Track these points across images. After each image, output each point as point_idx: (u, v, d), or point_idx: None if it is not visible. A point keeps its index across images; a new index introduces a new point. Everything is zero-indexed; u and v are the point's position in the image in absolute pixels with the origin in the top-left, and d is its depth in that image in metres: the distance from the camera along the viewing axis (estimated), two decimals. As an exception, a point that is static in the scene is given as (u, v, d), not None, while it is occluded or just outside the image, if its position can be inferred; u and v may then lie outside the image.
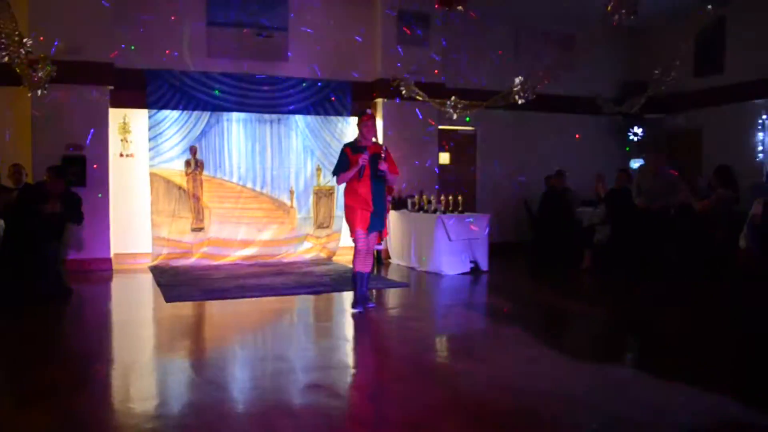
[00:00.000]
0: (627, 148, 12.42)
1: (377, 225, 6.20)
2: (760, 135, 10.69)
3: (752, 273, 6.19)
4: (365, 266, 6.22)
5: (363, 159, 5.94)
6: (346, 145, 6.27)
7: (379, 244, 7.52)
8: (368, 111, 6.24)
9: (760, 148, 10.67)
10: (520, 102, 9.06)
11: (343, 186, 6.28)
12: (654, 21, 11.41)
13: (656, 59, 10.24)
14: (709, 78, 11.30)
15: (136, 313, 6.73)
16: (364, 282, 6.28)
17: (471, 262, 8.99)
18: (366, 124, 6.14)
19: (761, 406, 3.64)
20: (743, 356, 4.93)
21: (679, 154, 11.37)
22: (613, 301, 7.40)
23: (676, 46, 8.99)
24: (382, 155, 6.03)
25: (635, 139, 12.30)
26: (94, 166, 9.08)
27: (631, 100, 10.21)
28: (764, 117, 10.63)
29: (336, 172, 6.21)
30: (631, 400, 3.87)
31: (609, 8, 7.29)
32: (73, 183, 8.28)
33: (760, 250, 6.08)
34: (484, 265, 9.07)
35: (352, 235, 6.26)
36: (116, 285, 8.37)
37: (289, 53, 10.40)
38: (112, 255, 9.34)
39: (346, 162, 6.09)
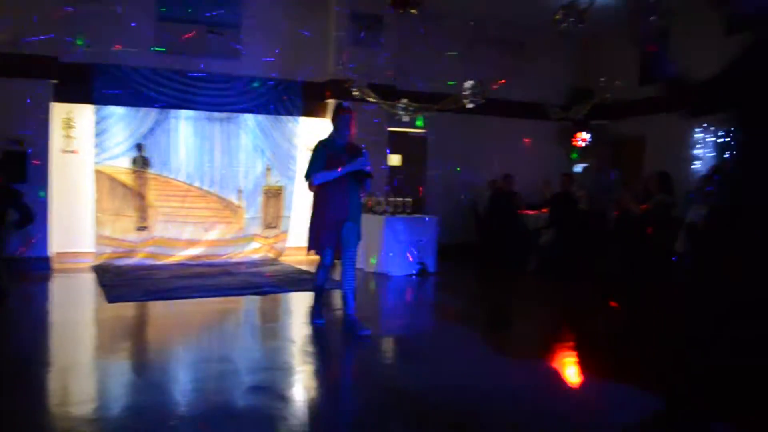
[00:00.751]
0: (574, 155, 12.69)
1: (354, 234, 5.43)
2: (699, 144, 11.07)
3: (687, 276, 6.41)
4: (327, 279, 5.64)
5: (363, 163, 5.28)
6: (321, 143, 5.46)
7: None
8: (345, 104, 5.51)
9: (699, 155, 11.04)
10: (469, 106, 9.18)
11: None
12: (601, 30, 11.69)
13: (602, 67, 10.52)
14: (652, 87, 11.62)
15: (76, 314, 6.56)
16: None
17: (419, 263, 9.07)
18: (343, 119, 5.36)
19: (692, 403, 3.77)
20: (679, 358, 5.10)
21: (623, 160, 11.67)
22: (556, 302, 7.56)
23: (621, 54, 9.24)
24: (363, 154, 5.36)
25: (581, 144, 12.58)
26: (36, 162, 8.82)
27: (578, 106, 10.45)
28: (704, 126, 11.00)
29: (312, 172, 5.33)
30: (571, 399, 3.99)
31: (558, 16, 7.46)
32: (13, 179, 8.03)
33: (696, 255, 6.29)
34: (431, 266, 9.16)
35: (316, 251, 5.48)
36: (57, 285, 8.15)
37: (241, 51, 10.30)
38: (53, 254, 9.10)
39: (323, 161, 5.30)
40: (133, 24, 9.53)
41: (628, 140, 12.17)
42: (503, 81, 9.31)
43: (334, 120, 5.44)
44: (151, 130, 9.83)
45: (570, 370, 4.71)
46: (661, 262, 7.18)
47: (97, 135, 9.47)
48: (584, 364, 4.80)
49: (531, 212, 10.52)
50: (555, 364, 4.74)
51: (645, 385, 4.09)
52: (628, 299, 7.33)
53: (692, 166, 11.00)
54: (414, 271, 8.97)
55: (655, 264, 7.29)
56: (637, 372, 4.49)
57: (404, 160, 11.71)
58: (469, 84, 9.31)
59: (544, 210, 10.03)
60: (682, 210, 7.82)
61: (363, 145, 5.64)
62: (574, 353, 5.25)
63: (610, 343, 5.70)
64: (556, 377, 4.44)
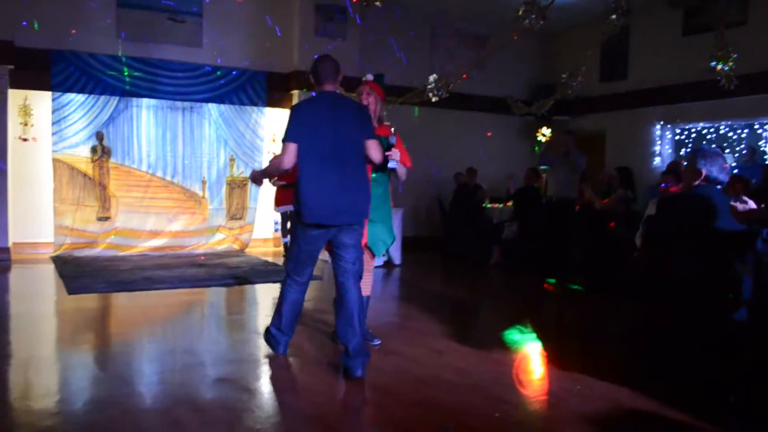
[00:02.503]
0: (537, 148, 12.87)
1: (379, 235, 4.83)
2: (658, 140, 11.33)
3: (645, 270, 6.56)
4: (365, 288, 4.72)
5: (393, 155, 4.45)
6: None
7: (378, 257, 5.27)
8: (368, 76, 4.83)
9: (657, 151, 11.31)
10: (434, 99, 9.24)
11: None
12: (563, 27, 11.86)
13: (565, 64, 10.68)
14: (613, 84, 11.86)
15: (35, 306, 6.43)
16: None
17: (384, 255, 9.11)
18: (360, 94, 4.69)
19: (650, 393, 3.89)
20: (636, 349, 5.25)
21: (584, 152, 11.89)
22: (518, 295, 7.68)
23: (583, 52, 9.40)
24: (391, 140, 4.52)
25: (543, 139, 12.76)
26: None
27: (540, 101, 10.59)
28: (661, 123, 11.27)
29: None
30: (532, 388, 4.08)
31: (520, 12, 7.56)
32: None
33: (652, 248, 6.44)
34: (397, 259, 9.22)
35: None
36: (15, 276, 7.97)
37: (203, 40, 10.17)
38: (10, 244, 8.89)
39: None
40: (92, 6, 9.33)
41: (589, 135, 12.40)
42: (465, 75, 9.36)
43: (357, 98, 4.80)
44: (112, 119, 9.66)
45: (530, 360, 4.81)
46: (621, 256, 7.34)
47: (55, 123, 9.27)
48: (544, 355, 4.90)
49: (495, 206, 10.64)
50: (515, 356, 4.83)
51: (603, 375, 4.21)
52: (591, 294, 7.48)
53: (652, 162, 11.27)
54: (379, 263, 9.01)
55: (616, 258, 7.44)
56: (596, 362, 4.61)
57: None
58: (432, 77, 9.36)
59: (508, 204, 10.16)
60: (642, 205, 8.01)
61: (392, 129, 4.68)
62: (534, 345, 5.35)
63: (570, 334, 5.83)
64: (518, 368, 4.52)
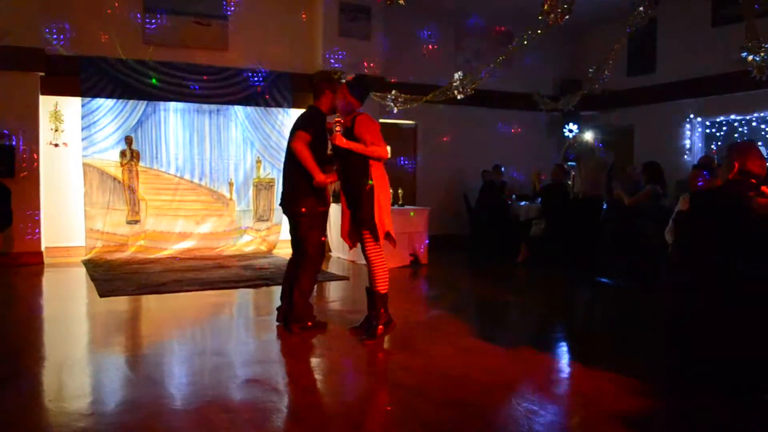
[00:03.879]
0: (566, 145, 12.75)
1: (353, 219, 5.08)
2: (688, 133, 11.14)
3: (678, 265, 6.44)
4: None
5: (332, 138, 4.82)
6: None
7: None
8: (345, 79, 5.20)
9: (687, 145, 11.12)
10: (459, 97, 9.19)
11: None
12: (589, 21, 11.71)
13: (591, 58, 10.56)
14: (641, 77, 11.69)
15: (68, 309, 6.54)
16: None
17: (410, 255, 9.09)
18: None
19: (685, 392, 3.82)
20: (669, 345, 5.16)
21: (612, 150, 11.75)
22: (545, 292, 7.61)
23: (610, 46, 9.27)
24: (337, 129, 4.77)
25: (570, 135, 12.63)
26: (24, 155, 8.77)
27: (567, 97, 10.48)
28: (692, 116, 11.08)
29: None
30: (562, 387, 4.03)
31: (545, 7, 7.46)
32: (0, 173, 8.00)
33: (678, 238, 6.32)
34: (423, 257, 9.19)
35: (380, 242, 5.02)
36: (48, 279, 8.12)
37: (229, 43, 10.24)
38: (43, 248, 9.05)
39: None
40: (120, 12, 9.45)
41: (617, 130, 12.24)
42: (490, 72, 9.29)
43: None
44: (140, 123, 9.78)
45: (560, 359, 4.75)
46: (651, 252, 7.23)
47: (85, 128, 9.40)
48: (573, 353, 4.84)
49: (521, 203, 10.57)
50: (545, 355, 4.78)
51: (636, 373, 4.14)
52: (620, 291, 7.39)
53: (682, 156, 11.08)
54: (406, 262, 8.99)
55: (646, 254, 7.33)
56: (627, 360, 4.54)
57: (395, 152, 11.69)
58: (458, 75, 9.31)
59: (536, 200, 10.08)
60: (672, 200, 7.88)
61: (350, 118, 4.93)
62: (564, 343, 5.29)
63: (601, 331, 5.76)
64: (547, 366, 4.47)
